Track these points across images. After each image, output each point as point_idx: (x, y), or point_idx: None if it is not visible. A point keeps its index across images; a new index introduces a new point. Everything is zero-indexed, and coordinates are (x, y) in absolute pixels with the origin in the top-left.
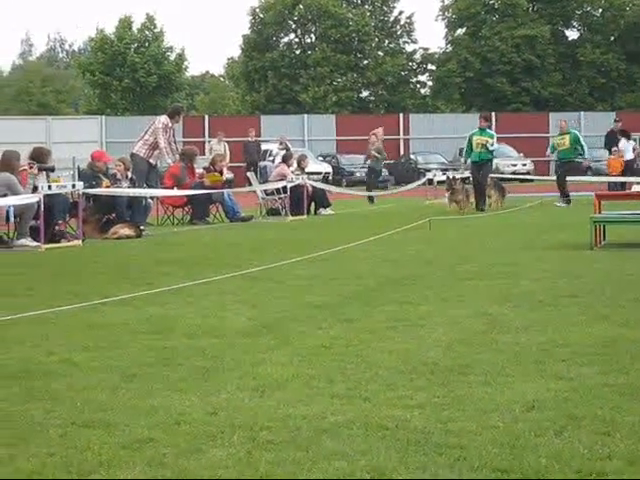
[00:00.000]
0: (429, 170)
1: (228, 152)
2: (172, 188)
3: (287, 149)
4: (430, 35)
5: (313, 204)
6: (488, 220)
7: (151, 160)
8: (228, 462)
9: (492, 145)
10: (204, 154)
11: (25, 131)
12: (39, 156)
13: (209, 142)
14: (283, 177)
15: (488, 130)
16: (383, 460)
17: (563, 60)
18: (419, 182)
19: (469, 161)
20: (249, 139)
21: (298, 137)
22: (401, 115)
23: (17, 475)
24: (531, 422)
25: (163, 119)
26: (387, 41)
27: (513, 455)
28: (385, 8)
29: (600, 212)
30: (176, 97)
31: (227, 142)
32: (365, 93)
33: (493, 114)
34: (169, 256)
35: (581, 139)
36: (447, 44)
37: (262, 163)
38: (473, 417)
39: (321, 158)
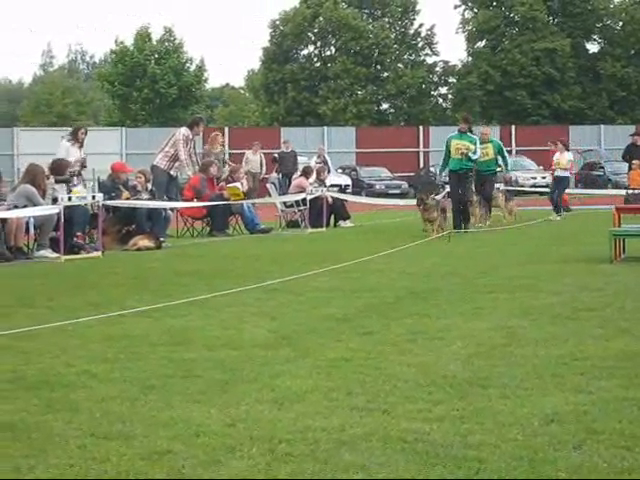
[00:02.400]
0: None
1: (265, 163)
2: (192, 200)
3: (324, 162)
4: (451, 48)
5: (333, 216)
6: (507, 233)
7: (171, 172)
8: (247, 474)
9: (475, 153)
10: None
11: (45, 142)
12: (57, 168)
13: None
14: (302, 189)
15: (469, 134)
16: (402, 473)
17: (583, 73)
18: (440, 195)
19: (445, 171)
20: (284, 149)
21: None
22: (421, 127)
23: None
24: (550, 435)
25: (184, 131)
26: (407, 53)
27: (532, 469)
28: (405, 20)
29: (620, 225)
30: (196, 109)
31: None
32: (385, 105)
33: (513, 127)
34: (189, 268)
35: (504, 149)
36: (468, 57)
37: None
38: (492, 430)
39: (340, 170)
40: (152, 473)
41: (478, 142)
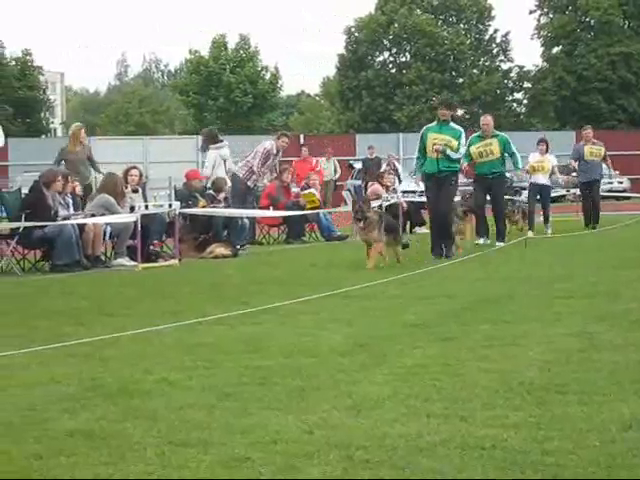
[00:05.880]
0: (525, 188)
1: (339, 170)
2: (268, 208)
3: (395, 170)
4: (525, 53)
5: (409, 223)
6: (584, 238)
7: (249, 183)
8: None
9: (457, 151)
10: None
11: (123, 151)
12: (124, 176)
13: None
14: (378, 196)
15: (452, 124)
16: (479, 479)
17: None
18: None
19: (419, 174)
20: (368, 156)
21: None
22: None
23: None
24: (628, 442)
25: (268, 145)
26: (482, 59)
27: (610, 475)
28: (480, 26)
29: None
30: (270, 117)
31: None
32: (460, 111)
33: None
34: (265, 275)
35: (512, 144)
36: (543, 62)
37: (356, 182)
38: (570, 436)
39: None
40: (230, 479)
41: (463, 136)
